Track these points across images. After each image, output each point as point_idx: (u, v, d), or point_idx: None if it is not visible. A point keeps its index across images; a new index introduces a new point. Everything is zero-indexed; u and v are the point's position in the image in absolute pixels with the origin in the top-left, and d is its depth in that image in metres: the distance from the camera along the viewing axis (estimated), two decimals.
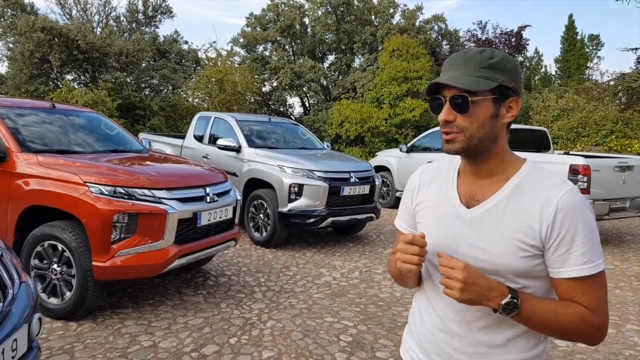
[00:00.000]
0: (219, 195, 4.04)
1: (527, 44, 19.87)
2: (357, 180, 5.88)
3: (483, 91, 1.02)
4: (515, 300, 0.98)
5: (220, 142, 6.40)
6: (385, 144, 15.27)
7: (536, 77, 24.91)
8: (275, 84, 20.00)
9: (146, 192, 3.39)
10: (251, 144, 6.39)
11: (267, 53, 20.94)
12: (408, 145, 9.00)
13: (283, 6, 20.60)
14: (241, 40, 20.86)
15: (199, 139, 7.20)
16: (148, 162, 4.17)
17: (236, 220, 4.40)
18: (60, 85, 15.99)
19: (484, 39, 21.94)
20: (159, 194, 3.45)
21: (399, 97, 15.35)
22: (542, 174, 1.06)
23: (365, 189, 5.96)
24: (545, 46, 56.53)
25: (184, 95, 18.55)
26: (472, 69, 1.02)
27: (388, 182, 9.22)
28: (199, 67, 20.00)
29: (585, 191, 5.91)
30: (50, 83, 17.08)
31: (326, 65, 21.49)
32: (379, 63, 16.80)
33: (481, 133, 1.04)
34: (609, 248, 6.37)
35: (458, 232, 1.09)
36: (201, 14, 46.40)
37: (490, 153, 1.07)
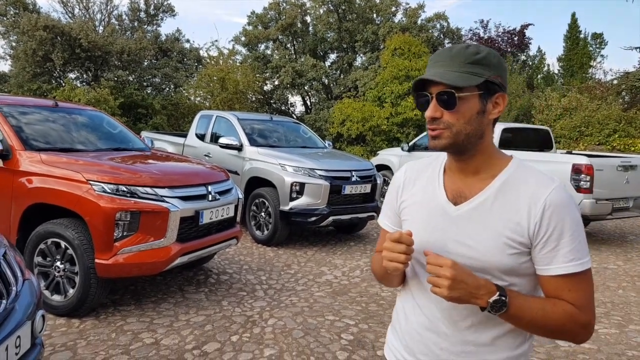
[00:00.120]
0: (221, 193, 4.05)
1: (530, 43, 19.90)
2: (358, 179, 5.88)
3: (470, 87, 1.01)
4: (503, 298, 0.98)
5: (222, 140, 6.42)
6: (386, 143, 15.24)
7: (539, 76, 24.80)
8: (276, 83, 19.97)
9: (148, 190, 3.41)
10: (253, 142, 6.40)
11: (268, 52, 20.93)
12: (410, 144, 8.98)
13: (285, 4, 20.56)
14: (243, 38, 20.84)
15: (201, 137, 7.22)
16: (150, 161, 4.19)
17: (238, 219, 4.42)
18: (63, 84, 15.99)
19: (486, 37, 21.85)
20: (161, 192, 3.46)
21: (400, 95, 15.31)
22: (529, 172, 1.06)
23: (367, 188, 5.96)
24: (548, 45, 56.53)
25: (186, 94, 18.58)
26: (458, 65, 1.01)
27: (389, 181, 9.21)
28: (200, 66, 19.98)
29: (588, 191, 5.89)
30: (53, 81, 17.11)
31: (328, 63, 21.45)
32: (381, 62, 16.76)
33: (468, 129, 1.03)
34: (612, 248, 6.35)
35: (445, 230, 1.08)
36: (203, 13, 46.42)
37: (477, 150, 1.07)
